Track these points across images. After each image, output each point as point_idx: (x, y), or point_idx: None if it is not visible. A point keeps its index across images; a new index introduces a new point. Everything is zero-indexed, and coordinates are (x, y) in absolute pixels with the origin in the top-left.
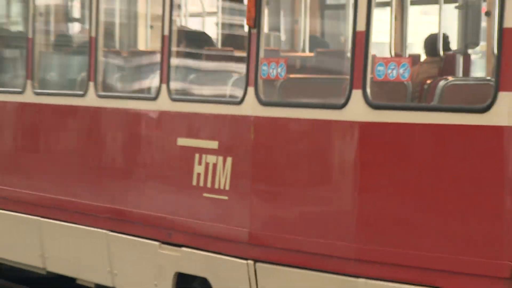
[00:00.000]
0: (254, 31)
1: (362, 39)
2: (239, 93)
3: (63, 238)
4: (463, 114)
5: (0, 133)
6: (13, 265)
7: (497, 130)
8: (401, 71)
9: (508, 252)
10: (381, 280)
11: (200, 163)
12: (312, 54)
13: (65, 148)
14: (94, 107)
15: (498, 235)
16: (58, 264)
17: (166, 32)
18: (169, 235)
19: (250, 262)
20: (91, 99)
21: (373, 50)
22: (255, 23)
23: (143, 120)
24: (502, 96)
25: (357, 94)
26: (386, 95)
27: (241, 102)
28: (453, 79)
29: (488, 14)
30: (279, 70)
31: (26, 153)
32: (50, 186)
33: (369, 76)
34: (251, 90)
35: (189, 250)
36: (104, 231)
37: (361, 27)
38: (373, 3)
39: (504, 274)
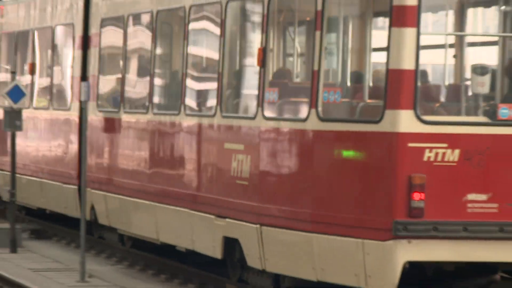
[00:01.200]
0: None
1: (316, 76)
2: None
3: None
4: (370, 124)
5: (132, 146)
6: (137, 237)
7: (385, 134)
8: (336, 96)
9: (388, 212)
10: (332, 234)
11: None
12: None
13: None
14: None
15: (385, 203)
16: (166, 236)
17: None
18: (219, 210)
19: (258, 226)
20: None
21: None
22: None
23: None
24: (388, 113)
25: (312, 112)
26: (331, 112)
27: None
28: (363, 102)
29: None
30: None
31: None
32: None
33: (320, 99)
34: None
35: (230, 220)
36: (186, 210)
37: (315, 67)
38: (322, 52)
39: (386, 225)
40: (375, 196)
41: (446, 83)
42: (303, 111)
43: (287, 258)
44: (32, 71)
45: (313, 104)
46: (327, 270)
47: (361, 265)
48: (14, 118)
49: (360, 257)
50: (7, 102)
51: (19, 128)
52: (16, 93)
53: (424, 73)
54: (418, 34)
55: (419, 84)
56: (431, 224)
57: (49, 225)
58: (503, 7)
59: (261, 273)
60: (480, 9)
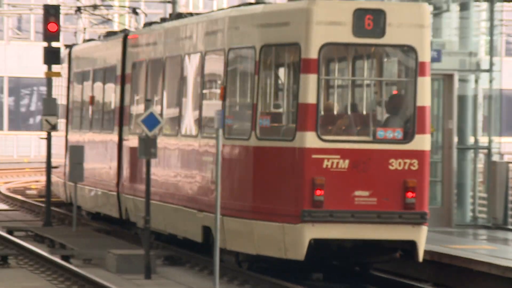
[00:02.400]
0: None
1: (254, 107)
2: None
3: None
4: (287, 141)
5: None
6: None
7: (297, 149)
8: (267, 122)
9: (298, 203)
10: (264, 221)
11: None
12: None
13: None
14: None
15: (296, 197)
16: (171, 228)
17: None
18: (200, 206)
19: (221, 216)
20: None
21: None
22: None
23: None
24: (298, 134)
25: (253, 133)
26: (266, 133)
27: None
28: (284, 126)
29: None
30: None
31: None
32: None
33: (258, 124)
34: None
35: (206, 213)
36: (180, 207)
37: (254, 101)
38: (259, 91)
39: (297, 213)
40: (290, 192)
41: (348, 112)
42: (247, 132)
43: (238, 239)
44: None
45: (253, 127)
46: (262, 246)
47: (282, 242)
48: (149, 146)
49: (281, 236)
50: (142, 130)
51: (154, 155)
52: (151, 121)
53: (328, 105)
54: (319, 78)
55: (321, 113)
56: (328, 212)
57: (182, 251)
58: (385, 59)
59: (227, 251)
60: (365, 61)
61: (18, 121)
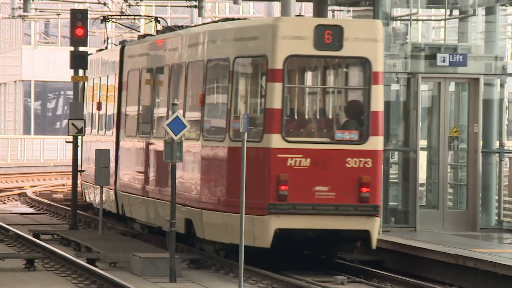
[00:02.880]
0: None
1: (228, 112)
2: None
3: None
4: (256, 142)
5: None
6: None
7: (264, 149)
8: (239, 125)
9: (265, 197)
10: (236, 213)
11: None
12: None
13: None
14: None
15: (263, 192)
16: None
17: None
18: (184, 201)
19: (200, 210)
20: None
21: None
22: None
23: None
24: (265, 136)
25: (227, 135)
26: (238, 136)
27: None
28: (254, 128)
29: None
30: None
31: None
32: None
33: (231, 127)
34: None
35: (188, 207)
36: (167, 202)
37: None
38: (233, 97)
39: (264, 206)
40: (258, 188)
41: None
42: (222, 134)
43: (214, 230)
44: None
45: (227, 130)
46: (234, 236)
47: (251, 232)
48: (174, 150)
49: (251, 227)
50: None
51: (180, 159)
52: (177, 125)
53: (292, 110)
54: (284, 86)
55: (286, 117)
56: (291, 205)
57: (207, 255)
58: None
59: (206, 241)
60: (325, 71)
61: (45, 125)
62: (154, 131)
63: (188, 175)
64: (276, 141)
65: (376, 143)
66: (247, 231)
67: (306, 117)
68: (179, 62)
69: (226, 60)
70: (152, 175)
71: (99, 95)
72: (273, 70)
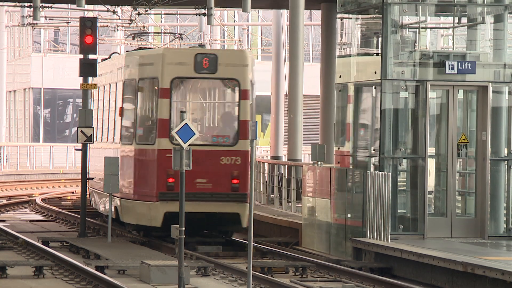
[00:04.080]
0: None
1: (135, 121)
2: None
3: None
4: (151, 145)
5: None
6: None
7: (156, 150)
8: (142, 131)
9: (157, 187)
10: (139, 200)
11: None
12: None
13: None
14: None
15: (155, 183)
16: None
17: None
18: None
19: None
20: None
21: None
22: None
23: None
24: (157, 140)
25: (133, 139)
26: (141, 140)
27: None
28: (152, 134)
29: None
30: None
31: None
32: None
33: (137, 133)
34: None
35: (115, 198)
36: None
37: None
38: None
39: (156, 194)
40: (152, 180)
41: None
42: (131, 139)
43: (128, 214)
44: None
45: (134, 135)
46: (139, 218)
47: (148, 214)
48: (183, 157)
49: (148, 211)
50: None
51: (188, 166)
52: (185, 133)
53: (179, 119)
54: (171, 101)
55: (173, 125)
56: (177, 193)
57: (216, 262)
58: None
59: (126, 224)
60: (205, 88)
61: (54, 133)
62: (102, 136)
63: (127, 174)
64: (164, 144)
65: (244, 145)
66: (145, 214)
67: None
68: (111, 82)
69: (134, 80)
70: (98, 173)
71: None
72: (162, 89)
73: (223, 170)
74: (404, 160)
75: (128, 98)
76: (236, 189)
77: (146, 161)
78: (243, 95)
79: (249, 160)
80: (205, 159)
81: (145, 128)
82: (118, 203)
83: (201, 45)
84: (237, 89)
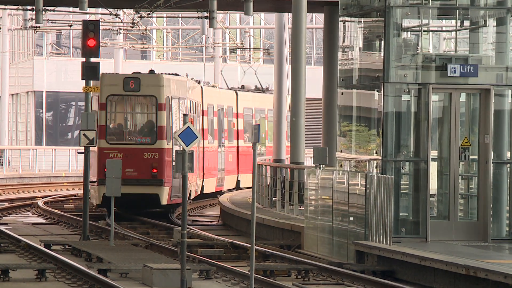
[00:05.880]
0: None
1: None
2: None
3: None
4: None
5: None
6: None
7: (98, 148)
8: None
9: (98, 175)
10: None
11: None
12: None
13: None
14: None
15: (98, 172)
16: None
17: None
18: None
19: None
20: None
21: None
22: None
23: None
24: (98, 141)
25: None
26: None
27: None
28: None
29: None
30: None
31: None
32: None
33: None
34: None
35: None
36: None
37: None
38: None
39: (99, 179)
40: (96, 170)
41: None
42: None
43: (96, 197)
44: None
45: (99, 137)
46: (95, 198)
47: (96, 195)
48: (186, 160)
49: (95, 193)
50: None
51: (191, 169)
52: (188, 136)
53: (113, 126)
54: (106, 112)
55: (108, 129)
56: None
57: (218, 265)
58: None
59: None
60: (133, 103)
61: (56, 136)
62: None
63: (93, 166)
64: (102, 143)
65: (161, 144)
66: (94, 195)
67: (121, 129)
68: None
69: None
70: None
71: None
72: (100, 103)
73: (145, 162)
74: (407, 163)
75: (94, 111)
76: (156, 176)
77: (97, 156)
78: (160, 107)
79: (165, 155)
80: (132, 155)
81: (99, 132)
82: (96, 190)
83: (151, 71)
84: (155, 103)
